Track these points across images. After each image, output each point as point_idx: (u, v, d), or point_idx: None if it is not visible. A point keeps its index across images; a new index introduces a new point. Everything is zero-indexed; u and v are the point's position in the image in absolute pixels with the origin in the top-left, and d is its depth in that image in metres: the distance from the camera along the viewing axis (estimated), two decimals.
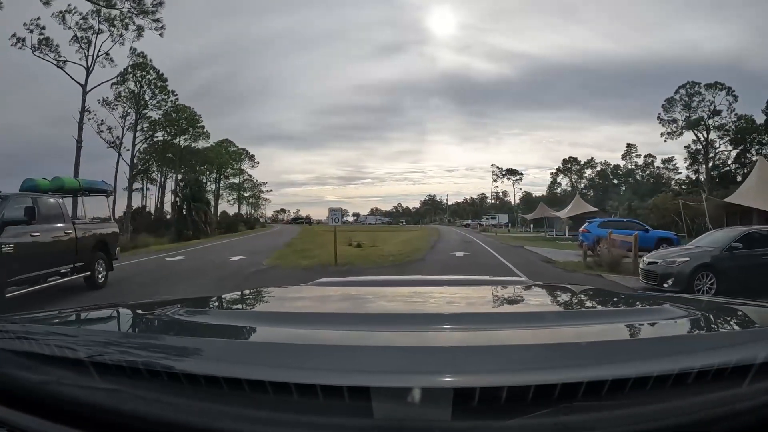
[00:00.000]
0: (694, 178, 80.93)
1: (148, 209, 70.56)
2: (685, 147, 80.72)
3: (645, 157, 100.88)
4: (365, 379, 1.05)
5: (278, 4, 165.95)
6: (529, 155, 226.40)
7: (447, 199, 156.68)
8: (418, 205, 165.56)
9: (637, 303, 2.24)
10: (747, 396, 1.08)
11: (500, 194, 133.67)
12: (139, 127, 59.72)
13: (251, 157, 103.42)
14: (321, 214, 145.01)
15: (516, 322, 1.64)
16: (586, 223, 29.34)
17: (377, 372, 1.07)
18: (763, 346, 1.22)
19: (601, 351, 1.24)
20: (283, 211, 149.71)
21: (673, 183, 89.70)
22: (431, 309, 2.08)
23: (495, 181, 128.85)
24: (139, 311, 2.00)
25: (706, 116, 75.13)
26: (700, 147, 78.92)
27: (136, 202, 68.19)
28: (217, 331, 1.57)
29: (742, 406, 1.06)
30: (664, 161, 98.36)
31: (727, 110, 74.55)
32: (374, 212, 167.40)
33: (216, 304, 2.23)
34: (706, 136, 76.93)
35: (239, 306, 2.29)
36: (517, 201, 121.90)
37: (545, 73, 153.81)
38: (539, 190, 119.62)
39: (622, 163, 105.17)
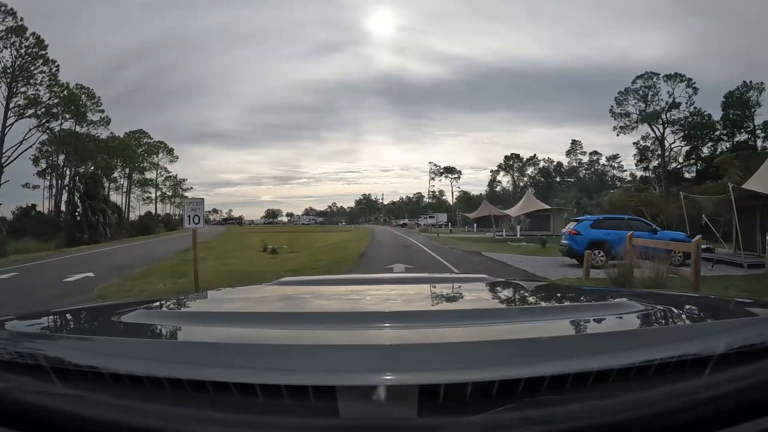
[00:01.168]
0: (644, 175, 78.19)
1: (39, 209, 62.10)
2: (634, 143, 78.31)
3: (590, 154, 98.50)
4: (330, 378, 1.04)
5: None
6: (464, 156, 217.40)
7: (382, 198, 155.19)
8: (353, 204, 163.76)
9: (597, 298, 2.28)
10: (707, 386, 1.10)
11: (437, 193, 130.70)
12: (13, 105, 51.88)
13: (170, 151, 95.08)
14: (255, 214, 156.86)
15: (479, 318, 1.60)
16: (572, 223, 22.09)
17: (342, 371, 1.06)
18: (721, 337, 1.25)
19: (563, 345, 1.25)
20: (215, 211, 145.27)
21: (625, 180, 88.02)
22: (395, 307, 2.05)
23: (432, 179, 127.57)
24: (99, 314, 1.99)
25: (663, 109, 72.34)
26: (649, 144, 75.57)
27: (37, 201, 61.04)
28: (180, 333, 1.56)
29: (703, 397, 1.07)
30: (608, 158, 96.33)
31: (687, 103, 71.43)
32: (309, 212, 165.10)
33: (177, 305, 2.14)
34: (662, 130, 72.89)
35: (201, 307, 2.19)
36: (455, 200, 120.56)
37: (480, 75, 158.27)
38: (476, 190, 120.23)
39: (566, 160, 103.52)
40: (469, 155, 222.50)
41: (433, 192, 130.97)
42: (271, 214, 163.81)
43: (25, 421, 1.09)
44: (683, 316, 1.83)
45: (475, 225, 68.73)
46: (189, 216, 13.08)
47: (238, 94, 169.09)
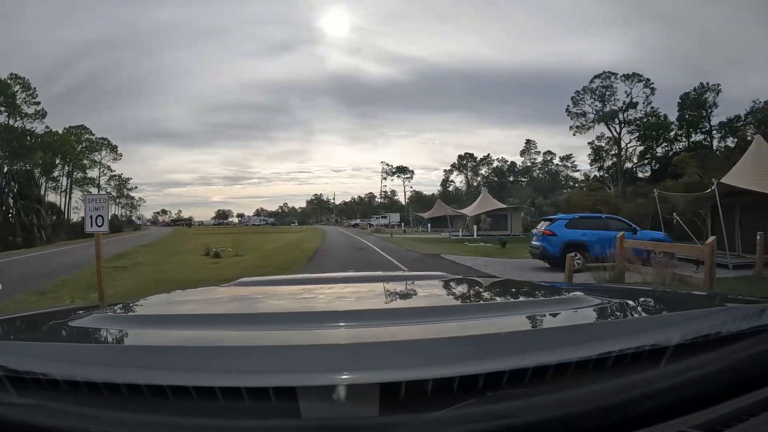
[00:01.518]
0: (598, 175, 77.98)
1: None
2: (589, 143, 77.84)
3: (544, 154, 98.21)
4: (291, 379, 1.05)
5: None
6: (415, 156, 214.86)
7: (334, 198, 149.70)
8: (304, 205, 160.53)
9: (552, 293, 2.25)
10: (664, 376, 1.13)
11: (389, 193, 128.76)
12: None
13: (113, 149, 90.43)
14: (206, 215, 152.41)
15: (438, 315, 1.60)
16: (545, 223, 19.87)
17: (303, 371, 1.07)
18: (676, 329, 1.27)
19: (521, 340, 1.29)
20: (164, 212, 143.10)
21: (578, 180, 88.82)
22: (354, 306, 2.05)
23: (385, 178, 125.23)
24: (54, 319, 1.91)
25: (620, 109, 72.26)
26: (603, 144, 75.22)
27: None
28: (138, 337, 1.51)
29: (660, 386, 1.10)
30: (562, 158, 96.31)
31: (644, 103, 71.39)
32: (260, 213, 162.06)
33: (135, 308, 2.07)
34: (619, 130, 72.64)
35: (159, 310, 2.11)
36: (407, 200, 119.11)
37: (433, 77, 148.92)
38: (428, 190, 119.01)
39: (519, 160, 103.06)
40: (421, 156, 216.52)
41: (385, 192, 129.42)
42: (222, 215, 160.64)
43: None
44: (638, 309, 1.87)
45: (429, 225, 67.35)
46: (91, 217, 9.97)
47: (188, 92, 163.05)
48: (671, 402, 1.08)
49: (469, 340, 1.26)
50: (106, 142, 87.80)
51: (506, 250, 28.15)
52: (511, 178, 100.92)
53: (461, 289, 2.54)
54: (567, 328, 1.47)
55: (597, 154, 77.48)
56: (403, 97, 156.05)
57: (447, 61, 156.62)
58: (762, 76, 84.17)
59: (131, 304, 2.15)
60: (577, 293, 1.90)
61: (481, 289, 2.54)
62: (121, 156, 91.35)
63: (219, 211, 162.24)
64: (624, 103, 70.77)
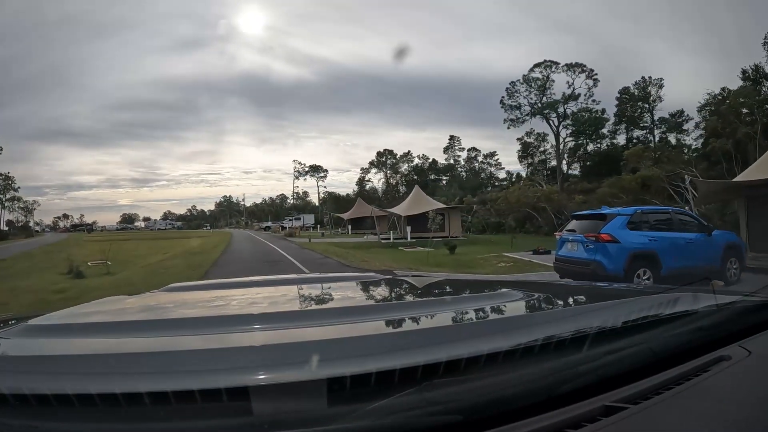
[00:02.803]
0: (528, 171, 74.15)
1: None
2: (518, 139, 74.45)
3: (469, 150, 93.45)
4: (242, 378, 1.08)
5: None
6: (326, 158, 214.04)
7: (243, 200, 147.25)
8: (213, 207, 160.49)
9: (484, 289, 2.35)
10: (587, 359, 1.24)
11: (301, 194, 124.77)
12: None
13: None
14: (111, 219, 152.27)
15: (377, 312, 1.74)
16: (581, 223, 12.41)
17: (252, 370, 1.10)
18: (597, 315, 1.46)
19: (455, 333, 1.42)
20: (66, 216, 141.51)
21: (499, 178, 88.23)
22: (295, 306, 2.18)
23: (297, 177, 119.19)
24: None
25: (562, 100, 67.30)
26: (532, 140, 70.50)
27: None
28: (75, 346, 1.48)
29: (584, 368, 1.21)
30: (486, 156, 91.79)
31: (586, 96, 66.83)
32: (167, 216, 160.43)
33: (67, 317, 1.96)
34: (557, 123, 67.38)
35: (92, 318, 2.03)
36: (321, 200, 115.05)
37: (343, 78, 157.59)
38: (341, 191, 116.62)
39: (443, 157, 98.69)
40: (332, 157, 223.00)
41: (298, 193, 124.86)
42: (128, 219, 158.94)
43: None
44: (560, 301, 2.07)
45: (349, 227, 60.55)
46: None
47: (91, 88, 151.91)
48: (594, 382, 1.18)
49: (408, 334, 1.47)
50: None
51: (459, 258, 22.68)
52: (433, 177, 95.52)
53: (399, 287, 2.71)
54: (496, 320, 1.65)
55: (526, 150, 73.16)
56: (313, 98, 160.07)
57: (357, 64, 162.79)
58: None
59: (62, 314, 2.01)
60: (505, 289, 1.98)
61: (417, 287, 2.70)
62: (1, 149, 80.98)
63: (125, 215, 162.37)
64: (564, 94, 66.30)
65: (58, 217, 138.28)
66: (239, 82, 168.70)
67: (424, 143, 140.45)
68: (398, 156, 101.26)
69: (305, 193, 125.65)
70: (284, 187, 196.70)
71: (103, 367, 1.17)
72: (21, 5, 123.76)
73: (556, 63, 66.16)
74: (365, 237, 47.17)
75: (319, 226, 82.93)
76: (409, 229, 37.47)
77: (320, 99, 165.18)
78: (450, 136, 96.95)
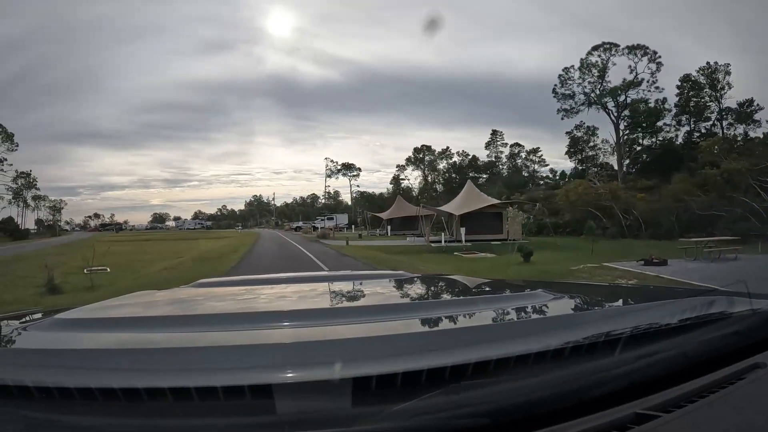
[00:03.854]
0: (579, 168, 68.75)
1: None
2: (567, 132, 68.51)
3: (512, 146, 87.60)
4: (266, 376, 1.08)
5: None
6: (355, 158, 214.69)
7: (273, 199, 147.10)
8: (243, 207, 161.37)
9: (515, 289, 2.37)
10: (618, 363, 1.22)
11: (332, 193, 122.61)
12: None
13: (9, 137, 77.05)
14: (142, 219, 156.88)
15: (404, 311, 1.73)
16: None
17: (277, 369, 1.10)
18: (629, 319, 1.39)
19: (484, 333, 1.36)
20: (96, 216, 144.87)
21: (542, 175, 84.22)
22: (322, 304, 2.16)
23: (329, 176, 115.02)
24: (8, 324, 1.82)
25: (622, 87, 60.27)
26: (582, 134, 64.96)
27: None
28: (102, 340, 1.49)
29: (615, 372, 1.18)
30: (529, 152, 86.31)
31: (649, 82, 59.92)
32: (198, 216, 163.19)
33: (95, 311, 1.98)
34: (617, 114, 61.06)
35: (119, 312, 2.04)
36: (353, 200, 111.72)
37: (369, 79, 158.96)
38: (372, 191, 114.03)
39: (485, 152, 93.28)
40: (361, 157, 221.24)
41: (329, 192, 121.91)
42: (159, 219, 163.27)
43: None
44: (594, 303, 1.99)
45: (388, 227, 55.36)
46: None
47: (122, 91, 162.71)
48: (625, 387, 1.14)
49: (435, 334, 1.45)
50: (0, 130, 74.20)
51: (543, 269, 17.42)
52: (472, 174, 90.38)
53: (427, 286, 2.68)
54: (526, 322, 1.60)
55: (575, 145, 67.44)
56: (341, 98, 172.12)
57: (382, 64, 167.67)
58: None
59: (92, 307, 2.07)
60: (538, 289, 1.93)
61: (446, 286, 2.68)
62: (17, 146, 79.08)
63: (155, 214, 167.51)
64: (625, 80, 59.49)
65: (89, 217, 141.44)
66: (267, 83, 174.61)
67: (453, 143, 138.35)
68: (436, 152, 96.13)
69: (336, 193, 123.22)
70: (314, 187, 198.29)
71: (126, 362, 1.19)
72: (53, 11, 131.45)
73: (616, 45, 59.68)
74: (408, 239, 42.03)
75: (353, 226, 78.64)
76: (463, 230, 32.21)
77: (347, 99, 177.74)
78: (492, 130, 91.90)
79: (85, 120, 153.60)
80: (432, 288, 2.63)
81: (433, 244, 32.42)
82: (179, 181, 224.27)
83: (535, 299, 1.80)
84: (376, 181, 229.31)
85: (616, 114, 61.14)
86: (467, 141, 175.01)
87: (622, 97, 59.94)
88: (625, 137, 61.47)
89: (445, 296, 2.38)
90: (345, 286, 2.63)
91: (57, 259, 22.36)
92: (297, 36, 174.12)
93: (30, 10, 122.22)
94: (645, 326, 1.33)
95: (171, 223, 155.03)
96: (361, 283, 2.75)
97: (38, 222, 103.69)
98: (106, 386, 1.06)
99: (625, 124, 61.21)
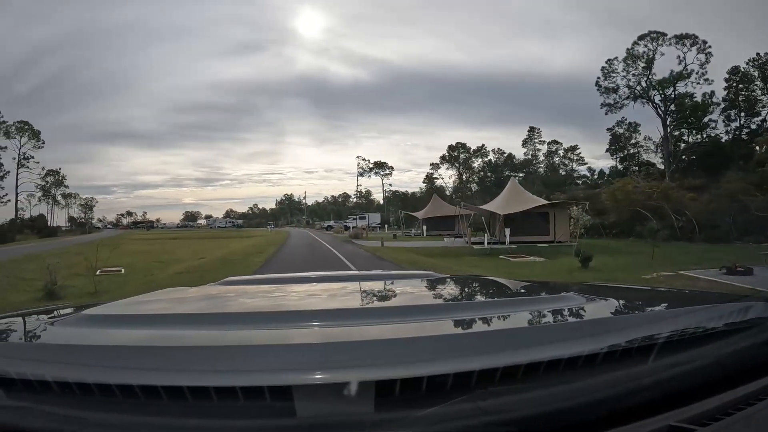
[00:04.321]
0: (620, 167, 66.00)
1: None
2: (608, 129, 65.77)
3: (549, 144, 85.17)
4: (286, 377, 1.07)
5: None
6: (386, 158, 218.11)
7: (305, 197, 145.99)
8: (274, 206, 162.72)
9: (545, 291, 2.35)
10: (652, 371, 1.18)
11: (364, 192, 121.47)
12: None
13: (35, 135, 76.30)
14: (175, 217, 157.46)
15: (431, 313, 1.64)
16: None
17: (298, 370, 1.09)
18: (663, 325, 1.34)
19: (513, 338, 1.32)
20: (129, 214, 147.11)
21: (580, 174, 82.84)
22: (347, 304, 2.09)
23: (361, 175, 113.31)
24: (40, 319, 1.93)
25: (671, 78, 57.04)
26: (623, 131, 61.97)
27: None
28: (129, 337, 1.47)
29: (648, 381, 1.15)
30: (566, 150, 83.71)
31: (698, 74, 56.48)
32: (229, 214, 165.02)
33: (123, 308, 2.00)
34: (664, 109, 57.99)
35: (147, 309, 2.04)
36: (384, 199, 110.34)
37: (400, 79, 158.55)
38: (404, 190, 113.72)
39: (522, 150, 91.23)
40: (392, 157, 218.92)
41: (360, 191, 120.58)
42: (190, 217, 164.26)
43: None
44: (627, 308, 1.89)
45: (424, 227, 52.62)
46: None
47: (154, 92, 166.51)
48: (658, 397, 1.11)
49: (462, 338, 1.37)
50: (27, 127, 74.36)
51: (608, 276, 15.68)
52: (507, 172, 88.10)
53: (454, 287, 2.57)
54: (557, 326, 1.53)
55: (616, 142, 64.85)
56: (371, 98, 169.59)
57: (412, 64, 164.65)
58: None
59: (120, 304, 2.09)
60: (569, 292, 1.89)
61: (474, 288, 2.57)
62: (43, 144, 79.46)
63: (187, 213, 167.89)
64: (672, 72, 56.34)
65: (122, 214, 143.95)
66: (297, 83, 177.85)
67: (485, 142, 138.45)
68: (471, 150, 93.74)
69: (368, 192, 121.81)
70: (345, 186, 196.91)
71: (147, 360, 1.18)
72: (89, 15, 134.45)
73: (663, 34, 56.60)
74: (445, 239, 39.96)
75: (386, 225, 76.38)
76: (508, 231, 30.24)
77: (378, 99, 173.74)
78: (530, 127, 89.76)
79: (120, 120, 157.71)
80: (460, 289, 2.53)
81: (475, 246, 30.38)
82: (211, 180, 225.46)
83: (567, 302, 1.74)
84: (407, 180, 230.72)
85: (663, 108, 58.09)
86: (498, 141, 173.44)
87: (669, 91, 57.02)
88: (669, 134, 58.53)
89: (474, 298, 2.30)
90: (374, 286, 2.53)
91: (72, 259, 21.35)
92: (327, 36, 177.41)
93: (66, 15, 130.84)
94: (680, 333, 1.28)
95: (202, 222, 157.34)
96: (389, 283, 2.68)
97: (71, 219, 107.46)
98: (126, 383, 1.07)
99: (670, 119, 58.23)
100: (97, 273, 18.13)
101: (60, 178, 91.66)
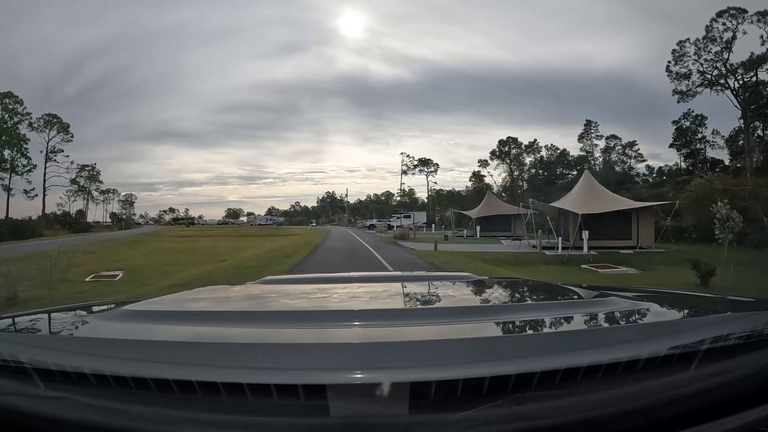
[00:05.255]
0: (684, 164, 60.44)
1: None
2: (673, 122, 60.33)
3: (607, 139, 79.62)
4: (320, 376, 1.08)
5: None
6: (429, 156, 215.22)
7: (347, 194, 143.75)
8: (316, 203, 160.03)
9: (586, 294, 2.23)
10: (694, 380, 1.15)
11: (407, 191, 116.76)
12: None
13: (64, 128, 74.67)
14: (218, 214, 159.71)
15: (468, 315, 1.63)
16: None
17: (332, 369, 1.10)
18: (706, 332, 1.29)
19: (551, 342, 1.33)
20: (171, 210, 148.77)
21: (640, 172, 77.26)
22: (384, 305, 2.06)
23: (405, 173, 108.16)
24: (80, 314, 1.95)
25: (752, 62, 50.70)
26: (690, 123, 56.43)
27: None
28: (167, 333, 1.52)
29: (689, 390, 1.12)
30: (624, 146, 78.39)
31: None
32: (271, 212, 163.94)
33: (162, 304, 2.03)
34: (744, 97, 52.03)
35: (186, 306, 2.09)
36: (428, 197, 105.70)
37: (442, 78, 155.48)
38: (448, 189, 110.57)
39: (575, 147, 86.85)
40: (434, 156, 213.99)
41: (404, 190, 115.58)
42: (232, 214, 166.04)
43: (5, 427, 1.11)
44: (670, 313, 1.86)
45: (477, 228, 47.63)
46: None
47: (198, 93, 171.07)
48: (701, 406, 1.09)
49: (499, 341, 1.33)
50: (56, 120, 72.59)
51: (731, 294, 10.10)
52: (559, 170, 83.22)
53: (491, 289, 2.53)
54: (597, 331, 1.51)
55: (682, 136, 59.45)
56: (413, 97, 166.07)
57: (455, 62, 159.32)
58: None
59: (158, 300, 2.11)
60: (611, 296, 1.85)
61: (511, 290, 2.54)
62: (72, 137, 77.31)
63: (229, 210, 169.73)
64: (753, 54, 50.33)
65: (164, 211, 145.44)
66: (339, 83, 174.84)
67: (526, 141, 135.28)
68: (523, 145, 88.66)
69: (411, 191, 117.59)
70: (388, 185, 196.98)
71: (184, 356, 1.20)
72: (137, 18, 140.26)
73: (744, 11, 50.26)
74: (504, 242, 35.35)
75: (433, 225, 71.91)
76: (586, 234, 25.63)
77: (420, 98, 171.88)
78: (586, 120, 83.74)
79: (166, 120, 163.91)
80: (499, 292, 2.50)
81: (546, 252, 25.74)
82: (255, 178, 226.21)
83: (608, 306, 1.70)
84: (450, 179, 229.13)
85: (743, 97, 52.08)
86: (544, 139, 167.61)
87: (748, 77, 51.05)
88: (738, 127, 53.33)
89: (512, 301, 2.25)
90: (413, 287, 2.49)
91: (74, 259, 17.78)
92: (368, 36, 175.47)
93: (115, 18, 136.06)
94: (723, 341, 1.24)
95: (244, 219, 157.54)
96: (429, 285, 2.68)
97: (112, 215, 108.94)
98: (162, 377, 1.09)
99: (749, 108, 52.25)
100: (85, 280, 17.14)
101: (95, 173, 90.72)
